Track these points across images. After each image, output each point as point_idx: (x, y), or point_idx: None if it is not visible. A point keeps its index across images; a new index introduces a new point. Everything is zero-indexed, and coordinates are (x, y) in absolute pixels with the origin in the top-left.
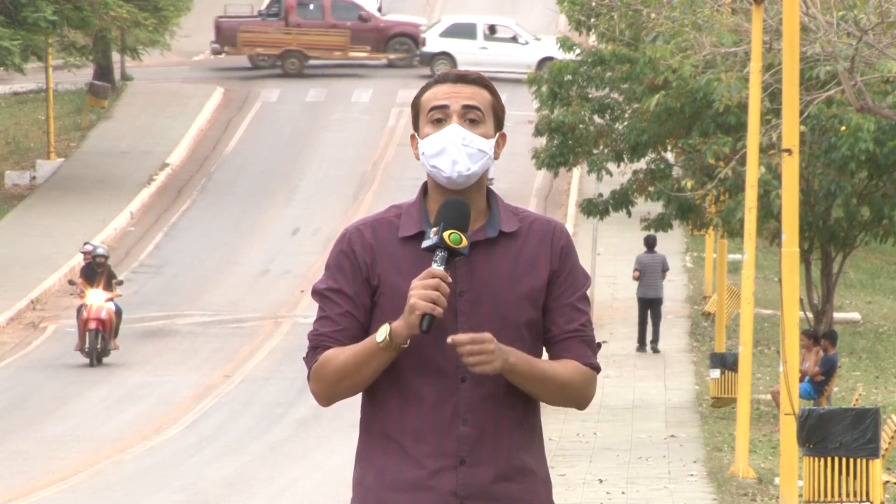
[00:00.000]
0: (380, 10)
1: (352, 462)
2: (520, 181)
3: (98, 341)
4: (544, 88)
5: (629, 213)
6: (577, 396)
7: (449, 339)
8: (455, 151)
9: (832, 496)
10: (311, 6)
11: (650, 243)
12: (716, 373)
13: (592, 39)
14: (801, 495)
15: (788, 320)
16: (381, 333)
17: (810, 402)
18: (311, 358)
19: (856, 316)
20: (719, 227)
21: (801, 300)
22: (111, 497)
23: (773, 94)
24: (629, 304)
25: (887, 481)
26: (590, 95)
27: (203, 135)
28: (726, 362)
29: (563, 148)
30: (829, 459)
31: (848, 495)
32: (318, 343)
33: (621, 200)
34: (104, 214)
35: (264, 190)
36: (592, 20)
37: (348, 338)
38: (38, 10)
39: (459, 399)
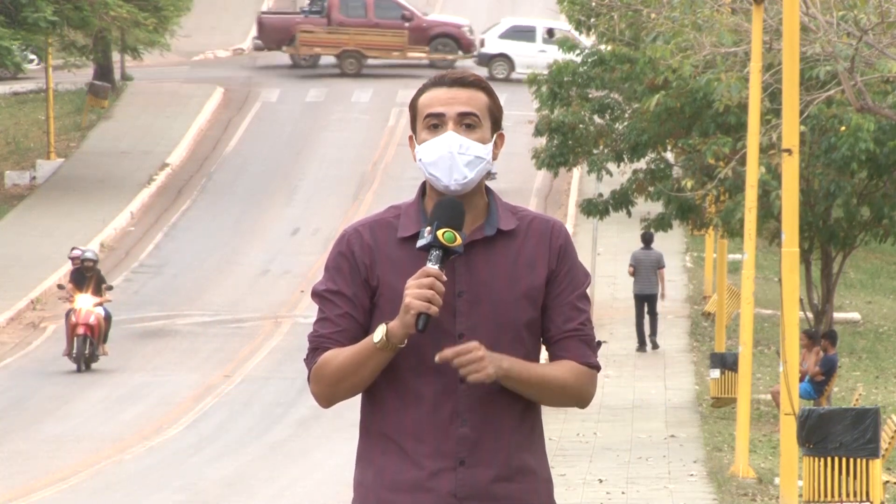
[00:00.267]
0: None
1: (352, 462)
2: (520, 181)
3: (86, 347)
4: (544, 88)
5: (629, 213)
6: (577, 397)
7: (437, 358)
8: (451, 160)
9: (832, 496)
10: (355, 5)
11: (647, 240)
12: (716, 373)
13: (591, 41)
14: (801, 495)
15: (788, 320)
16: (378, 334)
17: (810, 402)
18: (310, 359)
19: (856, 316)
20: (719, 227)
21: (801, 300)
22: (111, 497)
23: (773, 94)
24: (629, 304)
25: (887, 481)
26: (590, 95)
27: (203, 135)
28: (726, 362)
29: (563, 148)
30: (829, 459)
31: (848, 495)
32: (317, 344)
33: (621, 200)
34: (104, 214)
35: (264, 190)
36: (592, 20)
37: (348, 339)
38: (38, 10)
39: (458, 399)
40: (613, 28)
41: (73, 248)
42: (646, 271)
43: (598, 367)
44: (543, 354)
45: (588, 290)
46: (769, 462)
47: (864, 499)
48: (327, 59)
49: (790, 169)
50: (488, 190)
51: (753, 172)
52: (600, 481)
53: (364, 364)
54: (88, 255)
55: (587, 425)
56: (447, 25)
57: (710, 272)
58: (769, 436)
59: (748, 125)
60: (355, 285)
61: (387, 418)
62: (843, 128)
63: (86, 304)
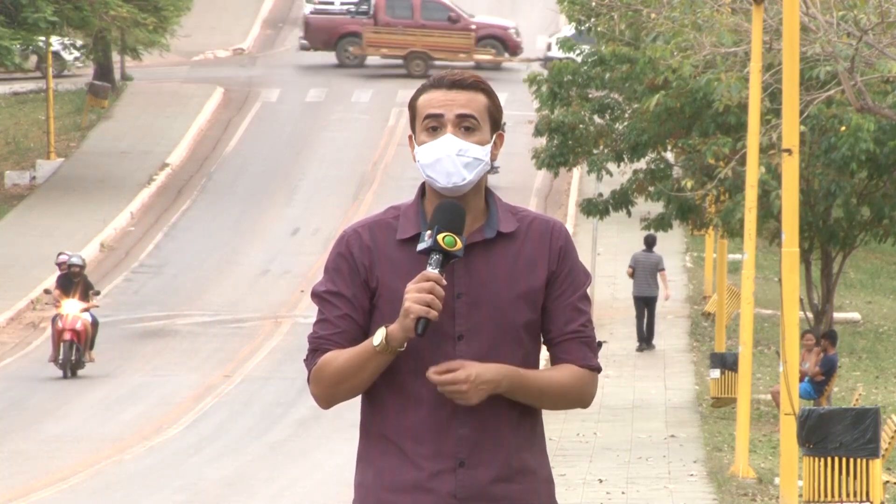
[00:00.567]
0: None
1: (352, 462)
2: (520, 181)
3: (72, 353)
4: (544, 88)
5: (629, 213)
6: (577, 400)
7: (428, 375)
8: (449, 163)
9: (832, 496)
10: (401, 6)
11: (649, 242)
12: (716, 373)
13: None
14: (801, 495)
15: (788, 320)
16: (378, 337)
17: (810, 402)
18: (310, 360)
19: (856, 316)
20: (719, 227)
21: (801, 300)
22: (111, 497)
23: (773, 94)
24: (629, 305)
25: (887, 481)
26: (590, 95)
27: (203, 135)
28: (726, 362)
29: (563, 148)
30: (829, 459)
31: (848, 495)
32: (317, 346)
33: (621, 200)
34: (104, 214)
35: (264, 190)
36: (592, 20)
37: (347, 340)
38: (38, 10)
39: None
40: (613, 28)
41: (59, 254)
42: (644, 273)
43: (598, 369)
44: (543, 354)
45: (588, 291)
46: (769, 462)
47: (864, 499)
48: (373, 60)
49: (790, 169)
50: (488, 191)
51: (753, 172)
52: (600, 481)
53: (363, 367)
54: (75, 260)
55: (587, 425)
56: (494, 27)
57: (710, 272)
58: (769, 436)
59: (748, 125)
60: (355, 286)
61: (386, 420)
62: (843, 128)
63: (72, 310)
